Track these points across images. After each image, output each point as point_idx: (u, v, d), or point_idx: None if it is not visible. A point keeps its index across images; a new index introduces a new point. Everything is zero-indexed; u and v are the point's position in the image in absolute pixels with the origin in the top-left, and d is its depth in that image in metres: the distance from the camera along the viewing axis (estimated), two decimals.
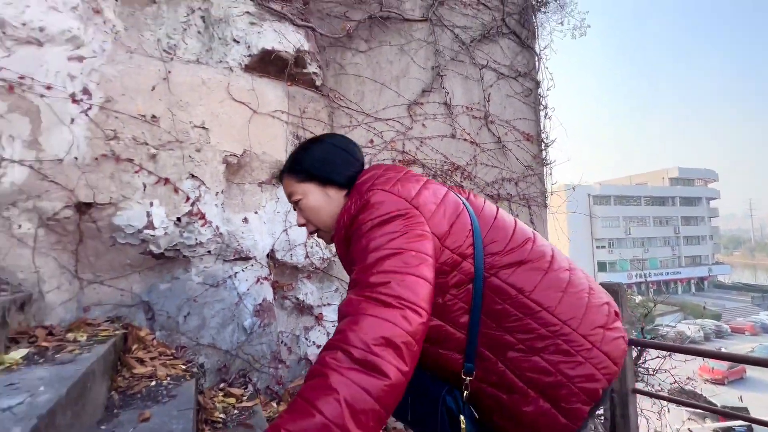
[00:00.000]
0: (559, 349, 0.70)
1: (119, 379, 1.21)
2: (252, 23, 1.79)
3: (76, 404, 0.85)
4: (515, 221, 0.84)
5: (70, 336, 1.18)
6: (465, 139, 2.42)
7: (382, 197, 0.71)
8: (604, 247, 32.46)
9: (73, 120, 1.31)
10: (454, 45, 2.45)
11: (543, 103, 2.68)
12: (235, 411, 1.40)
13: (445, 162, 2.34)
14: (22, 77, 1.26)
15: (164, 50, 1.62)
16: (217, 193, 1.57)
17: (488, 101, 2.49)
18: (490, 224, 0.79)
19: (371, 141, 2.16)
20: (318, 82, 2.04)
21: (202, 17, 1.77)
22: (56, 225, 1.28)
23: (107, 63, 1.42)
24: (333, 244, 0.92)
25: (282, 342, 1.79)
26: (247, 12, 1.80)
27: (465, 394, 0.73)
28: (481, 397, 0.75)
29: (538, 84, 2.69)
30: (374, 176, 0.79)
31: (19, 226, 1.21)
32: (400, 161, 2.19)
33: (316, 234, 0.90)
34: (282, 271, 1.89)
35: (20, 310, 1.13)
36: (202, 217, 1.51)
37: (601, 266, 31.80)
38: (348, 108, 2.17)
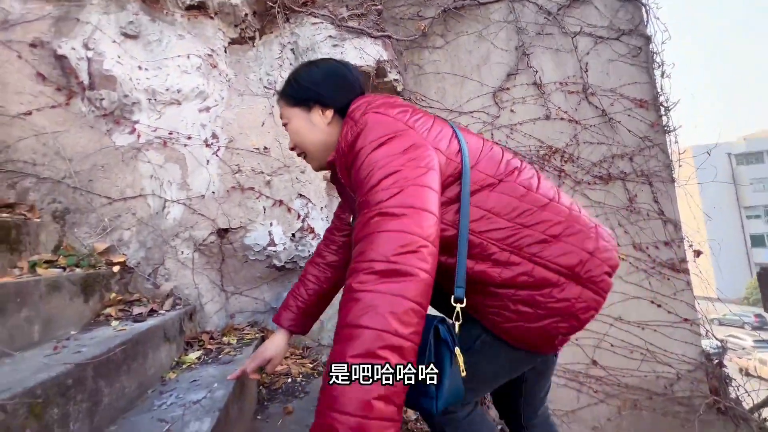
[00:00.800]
0: (575, 230, 0.75)
1: (263, 375, 1.42)
2: (334, 45, 1.91)
3: (240, 399, 1.04)
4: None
5: (225, 339, 1.44)
6: (561, 119, 2.20)
7: (379, 119, 0.72)
8: (758, 216, 25.91)
9: (208, 161, 1.58)
10: (539, 18, 2.24)
11: (657, 60, 2.27)
12: None
13: (540, 146, 2.16)
14: (171, 133, 1.58)
15: (265, 87, 1.84)
16: (321, 208, 1.73)
17: (586, 71, 2.21)
18: (482, 142, 0.81)
19: None
20: (399, 88, 2.08)
21: (292, 50, 1.96)
22: (205, 249, 1.56)
23: (226, 108, 1.67)
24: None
25: None
26: (329, 36, 1.92)
27: (456, 325, 0.71)
28: (508, 306, 0.73)
29: (648, 39, 2.29)
30: (366, 102, 0.79)
31: (182, 252, 1.52)
32: None
33: (305, 158, 0.93)
34: None
35: (190, 319, 1.41)
36: (312, 231, 1.67)
37: (757, 240, 25.43)
38: (430, 107, 2.16)
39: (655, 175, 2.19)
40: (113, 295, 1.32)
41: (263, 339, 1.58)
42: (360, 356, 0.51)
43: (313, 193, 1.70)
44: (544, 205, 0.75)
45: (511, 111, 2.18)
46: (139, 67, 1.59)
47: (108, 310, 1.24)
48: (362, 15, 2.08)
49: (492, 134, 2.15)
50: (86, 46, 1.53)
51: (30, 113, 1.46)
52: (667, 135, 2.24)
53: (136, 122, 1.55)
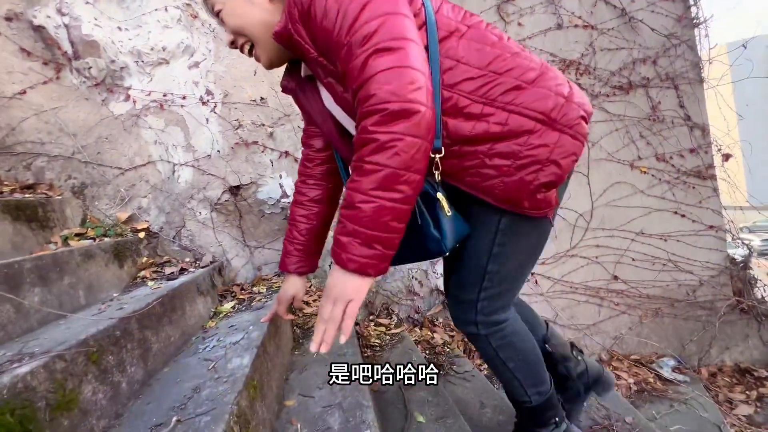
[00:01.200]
0: (548, 76, 0.72)
1: (296, 318, 1.52)
2: None
3: (275, 337, 1.12)
4: None
5: (255, 289, 1.52)
6: (575, 26, 2.00)
7: None
8: None
9: (207, 120, 1.55)
10: None
11: None
12: (387, 337, 1.63)
13: (553, 60, 2.00)
14: (165, 95, 1.54)
15: None
16: None
17: None
18: None
19: None
20: None
21: None
22: (222, 208, 1.60)
23: (216, 62, 1.60)
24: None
25: (413, 277, 1.95)
26: None
27: (437, 174, 0.72)
28: (484, 163, 0.71)
29: None
30: None
31: (200, 213, 1.56)
32: None
33: (251, 53, 0.81)
34: None
35: (219, 274, 1.49)
36: None
37: None
38: None
39: (681, 77, 2.02)
40: (144, 259, 1.40)
41: None
42: (379, 188, 0.57)
43: None
44: (517, 52, 0.72)
45: (519, 24, 2.00)
46: (119, 28, 1.51)
47: (143, 273, 1.32)
48: None
49: None
50: (60, 12, 1.46)
51: (24, 92, 1.45)
52: (696, 29, 2.02)
53: (129, 88, 1.52)
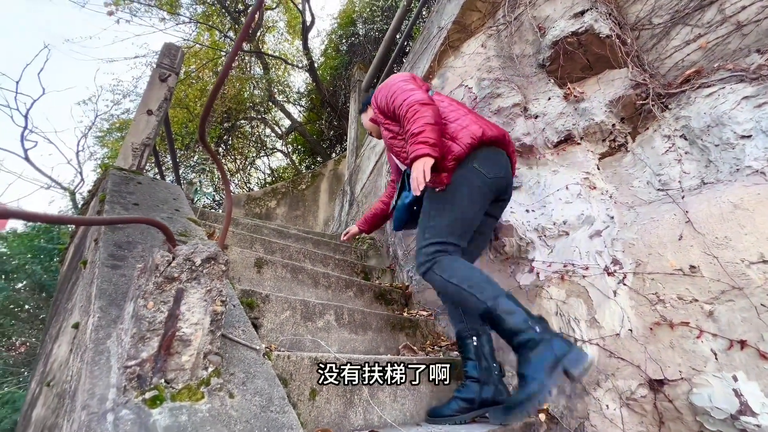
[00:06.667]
0: (460, 120, 1.47)
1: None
2: (760, 104, 1.36)
3: None
4: None
5: None
6: None
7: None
8: None
9: (615, 293, 1.38)
10: None
11: None
12: None
13: None
14: (565, 265, 1.55)
15: (659, 189, 1.52)
16: None
17: None
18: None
19: None
20: None
21: (683, 135, 1.59)
22: (635, 404, 1.25)
23: (621, 228, 1.49)
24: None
25: None
26: (745, 97, 1.41)
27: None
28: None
29: None
30: None
31: (607, 406, 1.28)
32: None
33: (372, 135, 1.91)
34: None
35: None
36: None
37: None
38: None
39: None
40: None
41: None
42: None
43: None
44: (450, 108, 1.49)
45: None
46: (527, 211, 1.77)
47: None
48: None
49: None
50: None
51: None
52: None
53: (532, 260, 1.66)
